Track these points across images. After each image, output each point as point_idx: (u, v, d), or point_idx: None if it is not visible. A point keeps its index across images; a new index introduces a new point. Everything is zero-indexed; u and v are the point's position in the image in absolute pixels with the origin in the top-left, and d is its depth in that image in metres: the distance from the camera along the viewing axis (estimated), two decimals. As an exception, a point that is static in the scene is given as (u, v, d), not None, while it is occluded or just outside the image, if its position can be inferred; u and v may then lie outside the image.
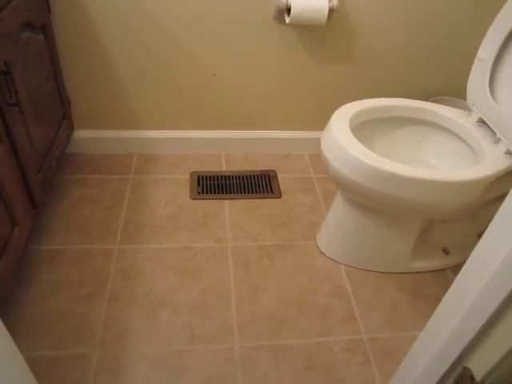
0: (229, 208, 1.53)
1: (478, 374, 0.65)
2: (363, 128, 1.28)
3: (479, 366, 0.65)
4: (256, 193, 1.59)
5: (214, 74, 1.56)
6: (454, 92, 1.68)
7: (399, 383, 0.90)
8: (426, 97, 1.69)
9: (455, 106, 1.46)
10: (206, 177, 1.64)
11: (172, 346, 1.13)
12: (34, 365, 1.06)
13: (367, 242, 1.33)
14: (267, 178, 1.66)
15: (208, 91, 1.61)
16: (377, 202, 1.17)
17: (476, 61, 1.27)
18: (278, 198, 1.58)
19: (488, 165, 1.13)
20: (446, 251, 1.40)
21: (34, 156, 1.19)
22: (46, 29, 1.31)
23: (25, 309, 1.18)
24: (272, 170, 1.70)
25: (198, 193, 1.56)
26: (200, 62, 1.54)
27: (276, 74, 1.60)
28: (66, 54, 1.47)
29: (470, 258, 0.72)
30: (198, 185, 1.60)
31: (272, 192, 1.60)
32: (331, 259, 1.38)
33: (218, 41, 1.49)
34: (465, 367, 0.68)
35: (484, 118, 1.24)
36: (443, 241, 1.42)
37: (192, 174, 1.65)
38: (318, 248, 1.41)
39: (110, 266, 1.30)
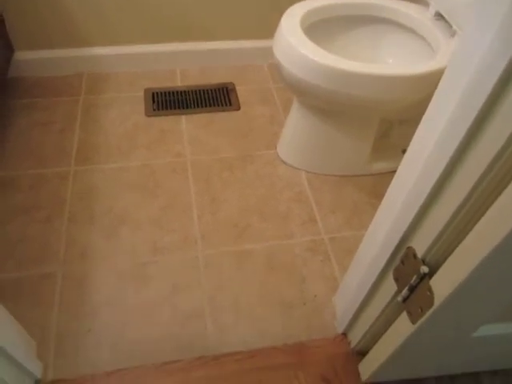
0: (186, 123, 1.49)
1: (420, 252, 0.68)
2: (318, 29, 1.22)
3: (420, 244, 0.68)
4: (214, 106, 1.54)
5: (159, -21, 1.45)
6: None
7: (355, 270, 0.94)
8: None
9: (417, 2, 1.40)
10: (161, 93, 1.57)
11: (136, 259, 1.14)
12: (-3, 288, 1.07)
13: (326, 147, 1.33)
14: (225, 91, 1.60)
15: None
16: (331, 103, 1.15)
17: None
18: (237, 110, 1.54)
19: (442, 58, 1.11)
20: (405, 152, 1.41)
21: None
22: None
23: (-18, 235, 1.16)
24: (230, 83, 1.64)
25: (154, 110, 1.51)
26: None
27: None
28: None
29: (409, 146, 0.72)
30: (153, 102, 1.54)
31: (231, 105, 1.56)
32: (292, 166, 1.38)
33: None
34: (408, 247, 0.71)
35: (440, 11, 1.20)
36: (402, 142, 1.41)
37: (146, 90, 1.58)
38: (279, 157, 1.40)
39: (66, 188, 1.28)
